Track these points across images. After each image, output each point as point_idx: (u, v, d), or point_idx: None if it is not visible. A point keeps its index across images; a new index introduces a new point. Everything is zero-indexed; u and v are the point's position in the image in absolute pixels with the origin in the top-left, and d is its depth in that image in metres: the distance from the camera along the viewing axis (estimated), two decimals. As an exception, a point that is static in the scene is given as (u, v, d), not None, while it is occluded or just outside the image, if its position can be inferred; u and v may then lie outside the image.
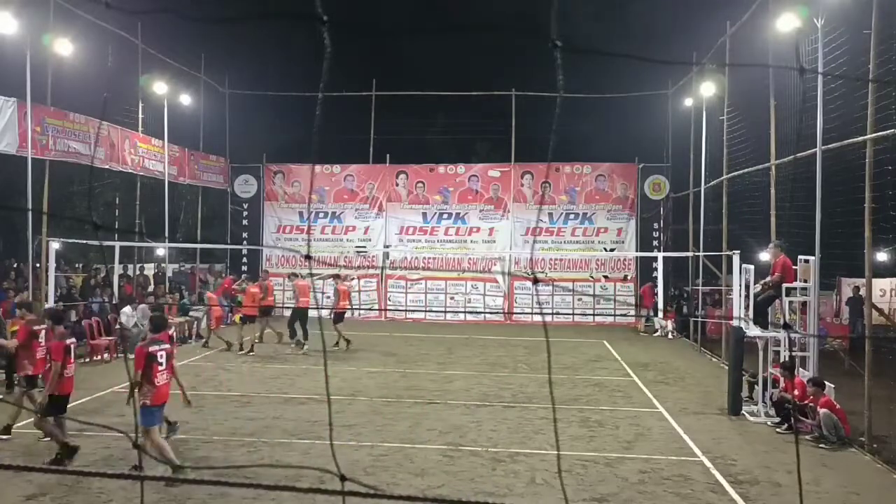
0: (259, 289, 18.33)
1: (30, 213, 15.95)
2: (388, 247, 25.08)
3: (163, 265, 22.88)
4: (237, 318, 19.44)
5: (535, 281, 25.95)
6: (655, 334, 22.01)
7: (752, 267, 13.11)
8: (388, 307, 24.64)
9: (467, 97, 25.43)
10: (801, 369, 11.79)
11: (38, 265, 16.02)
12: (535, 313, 23.48)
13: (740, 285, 12.89)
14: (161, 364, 8.31)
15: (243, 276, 22.62)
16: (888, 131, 9.78)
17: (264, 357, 16.79)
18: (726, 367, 13.55)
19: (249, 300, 17.88)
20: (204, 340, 18.47)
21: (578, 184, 24.70)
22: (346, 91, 24.58)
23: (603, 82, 22.86)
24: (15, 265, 19.33)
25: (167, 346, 8.60)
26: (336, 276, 19.06)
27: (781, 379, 11.57)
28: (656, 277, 20.14)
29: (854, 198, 10.98)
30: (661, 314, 21.05)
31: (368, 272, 24.94)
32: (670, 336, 21.52)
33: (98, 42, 16.59)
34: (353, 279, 24.57)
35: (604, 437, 10.44)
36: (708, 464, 9.23)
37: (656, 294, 20.95)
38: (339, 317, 18.04)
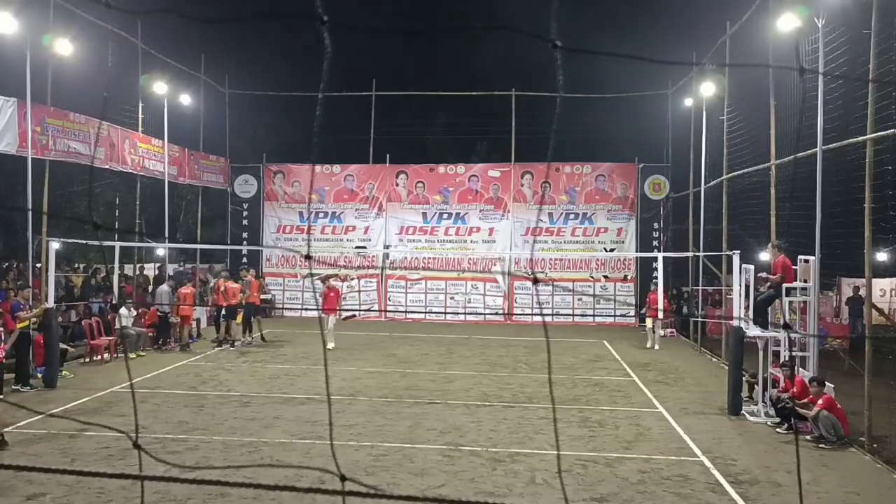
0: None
1: (30, 213, 15.95)
2: (388, 247, 25.08)
3: (165, 265, 22.86)
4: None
5: (535, 281, 25.95)
6: (648, 345, 19.22)
7: (752, 267, 13.10)
8: (388, 307, 24.65)
9: (467, 97, 25.45)
10: (800, 369, 11.79)
11: (38, 265, 16.02)
12: (535, 314, 23.47)
13: (740, 285, 12.88)
14: None
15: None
16: (888, 131, 9.77)
17: (264, 357, 16.80)
18: (726, 367, 13.55)
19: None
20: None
21: (578, 184, 24.70)
22: (346, 91, 24.60)
23: (603, 82, 22.87)
24: (15, 265, 19.34)
25: None
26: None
27: (781, 378, 11.57)
28: (657, 278, 19.91)
29: (854, 198, 10.98)
30: (649, 322, 19.35)
31: (368, 272, 24.95)
32: (661, 335, 19.93)
33: (98, 42, 16.57)
34: (353, 279, 24.62)
35: (604, 437, 10.44)
36: (708, 464, 9.23)
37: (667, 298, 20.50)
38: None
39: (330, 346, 17.54)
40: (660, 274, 19.01)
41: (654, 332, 19.23)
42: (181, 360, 16.27)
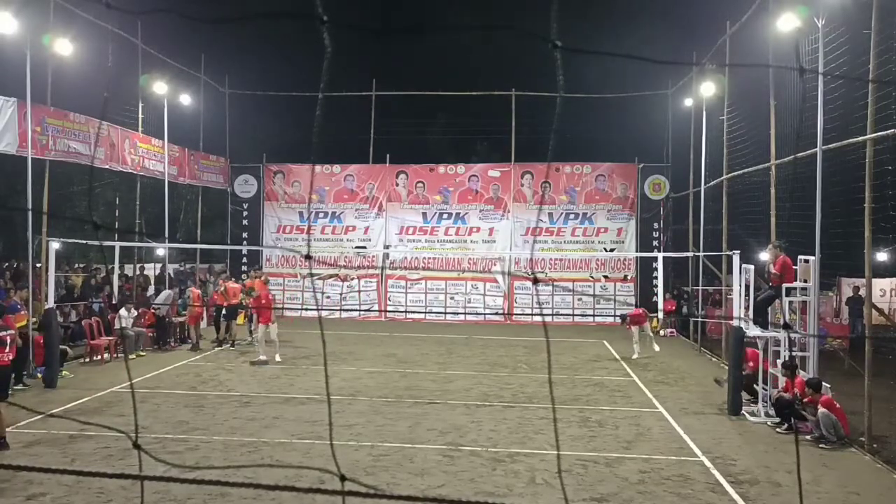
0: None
1: (30, 213, 15.95)
2: (388, 247, 25.09)
3: (166, 265, 22.86)
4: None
5: (535, 281, 25.96)
6: (634, 356, 17.31)
7: (752, 267, 13.11)
8: (389, 307, 24.65)
9: (467, 97, 25.45)
10: (800, 371, 11.78)
11: (38, 265, 16.02)
12: (535, 314, 23.48)
13: (740, 285, 12.88)
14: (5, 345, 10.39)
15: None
16: (888, 131, 9.77)
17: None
18: (726, 367, 13.55)
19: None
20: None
21: (578, 184, 24.70)
22: (346, 91, 24.60)
23: (603, 82, 22.88)
24: (15, 265, 19.34)
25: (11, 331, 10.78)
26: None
27: (781, 378, 11.57)
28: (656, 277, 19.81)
29: (854, 198, 10.98)
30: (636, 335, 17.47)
31: (368, 272, 24.95)
32: (636, 340, 17.73)
33: (98, 42, 16.57)
34: (353, 279, 24.61)
35: (604, 437, 10.44)
36: (708, 464, 9.23)
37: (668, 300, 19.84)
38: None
39: (263, 357, 15.85)
40: (660, 274, 19.00)
41: (636, 342, 17.54)
42: (181, 360, 16.28)
